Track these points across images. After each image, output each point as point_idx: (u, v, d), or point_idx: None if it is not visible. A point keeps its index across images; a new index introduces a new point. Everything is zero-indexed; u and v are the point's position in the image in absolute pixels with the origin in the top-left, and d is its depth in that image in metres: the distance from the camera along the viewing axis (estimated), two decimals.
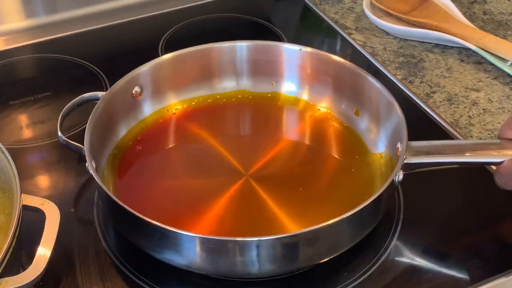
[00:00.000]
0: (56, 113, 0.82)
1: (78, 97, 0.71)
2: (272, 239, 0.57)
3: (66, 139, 0.69)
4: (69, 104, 0.71)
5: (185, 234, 0.57)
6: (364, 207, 0.59)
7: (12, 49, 0.94)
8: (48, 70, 0.92)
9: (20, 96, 0.85)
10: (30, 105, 0.84)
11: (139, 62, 0.76)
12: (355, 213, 0.58)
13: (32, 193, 0.60)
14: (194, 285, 0.62)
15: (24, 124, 0.81)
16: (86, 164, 0.63)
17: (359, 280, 0.62)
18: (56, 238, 0.58)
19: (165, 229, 0.57)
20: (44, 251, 0.56)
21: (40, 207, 0.59)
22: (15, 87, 0.87)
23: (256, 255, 0.58)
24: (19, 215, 0.56)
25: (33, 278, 0.54)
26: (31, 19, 0.98)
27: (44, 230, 0.58)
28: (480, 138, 0.79)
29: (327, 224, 0.57)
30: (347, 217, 0.58)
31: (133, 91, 0.74)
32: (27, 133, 0.80)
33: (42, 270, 0.55)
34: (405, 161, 0.64)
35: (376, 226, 0.67)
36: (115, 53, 0.94)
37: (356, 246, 0.65)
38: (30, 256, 0.56)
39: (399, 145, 0.67)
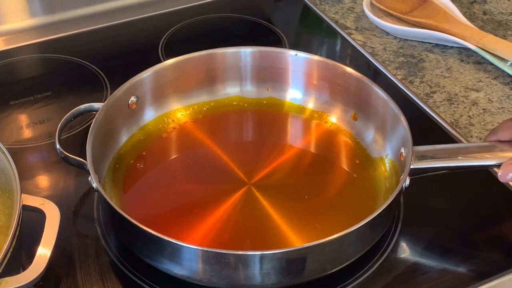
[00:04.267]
0: (56, 113, 0.83)
1: (75, 109, 0.70)
2: (274, 253, 0.56)
3: (66, 153, 0.66)
4: (65, 117, 0.69)
5: (186, 246, 0.57)
6: (373, 218, 0.58)
7: (13, 49, 0.94)
8: (48, 70, 0.92)
9: (20, 96, 0.85)
10: (30, 105, 0.84)
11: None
12: (365, 223, 0.58)
13: (32, 193, 0.60)
14: (193, 285, 0.62)
15: (24, 124, 0.81)
16: (89, 178, 0.63)
17: (359, 280, 0.62)
18: (56, 238, 0.58)
19: (164, 240, 0.57)
20: (44, 251, 0.56)
21: (40, 207, 0.59)
22: (16, 87, 0.87)
23: (259, 268, 0.57)
24: (19, 215, 0.56)
25: (33, 278, 0.54)
26: (32, 19, 0.98)
27: (44, 230, 0.58)
28: (480, 138, 0.79)
29: (336, 237, 0.57)
30: (357, 229, 0.58)
31: (129, 101, 0.73)
32: (27, 133, 0.80)
33: (42, 270, 0.55)
34: (411, 167, 0.63)
35: None
36: (115, 53, 0.94)
37: None
38: (30, 256, 0.56)
39: (402, 149, 0.66)
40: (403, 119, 0.67)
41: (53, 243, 0.57)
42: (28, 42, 0.95)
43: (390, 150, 0.71)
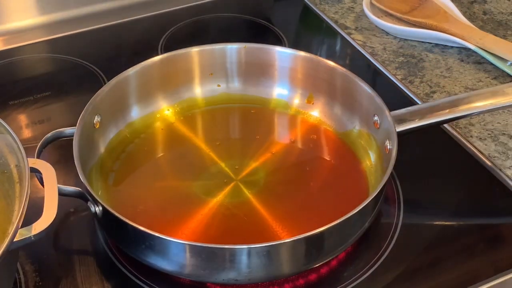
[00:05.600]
0: (56, 113, 0.83)
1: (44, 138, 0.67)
2: (261, 246, 0.57)
3: None
4: (41, 142, 0.67)
5: (173, 241, 0.58)
6: (362, 208, 0.59)
7: (12, 49, 0.94)
8: (48, 70, 0.92)
9: (20, 96, 0.85)
10: (30, 105, 0.84)
11: (139, 62, 0.76)
12: (353, 214, 0.58)
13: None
14: (192, 285, 0.62)
15: (24, 124, 0.81)
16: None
17: (359, 280, 0.62)
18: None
19: (152, 235, 0.57)
20: (51, 199, 0.58)
21: (34, 166, 0.60)
22: (15, 87, 0.87)
23: (246, 262, 0.57)
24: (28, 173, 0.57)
25: (53, 217, 0.56)
26: (31, 19, 0.98)
27: (44, 184, 0.59)
28: (481, 139, 0.78)
29: (322, 230, 0.57)
30: (343, 220, 0.58)
31: (94, 121, 0.71)
32: (27, 133, 0.80)
33: (56, 211, 0.57)
34: (397, 130, 0.65)
35: (376, 226, 0.67)
36: (115, 53, 0.94)
37: (356, 247, 0.65)
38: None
39: (387, 142, 0.67)
40: (387, 113, 0.68)
41: (56, 192, 0.58)
42: (27, 42, 0.95)
43: (375, 143, 0.71)
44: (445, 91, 0.86)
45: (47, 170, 0.61)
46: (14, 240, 0.52)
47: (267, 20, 1.00)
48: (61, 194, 0.61)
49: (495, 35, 0.92)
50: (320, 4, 1.04)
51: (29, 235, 0.54)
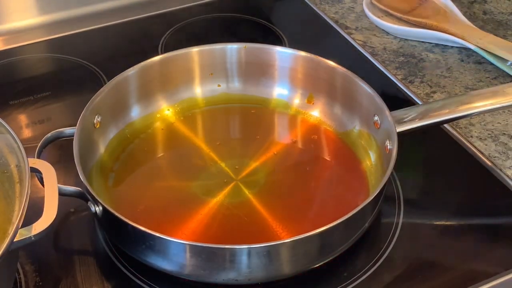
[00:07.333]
0: (56, 113, 0.83)
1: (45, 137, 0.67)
2: (261, 246, 0.57)
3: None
4: (41, 142, 0.67)
5: (173, 241, 0.58)
6: (360, 209, 0.59)
7: (12, 49, 0.94)
8: (48, 70, 0.92)
9: (20, 96, 0.85)
10: (30, 105, 0.84)
11: (139, 62, 0.76)
12: (353, 214, 0.59)
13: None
14: (192, 285, 0.62)
15: (24, 124, 0.81)
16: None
17: (359, 280, 0.62)
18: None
19: (152, 235, 0.57)
20: (51, 199, 0.58)
21: (34, 166, 0.60)
22: (15, 86, 0.87)
23: (246, 262, 0.58)
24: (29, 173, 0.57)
25: (53, 218, 0.56)
26: (31, 19, 0.98)
27: (45, 184, 0.59)
28: (481, 139, 0.78)
29: (322, 230, 0.57)
30: (343, 221, 0.58)
31: (94, 121, 0.71)
32: (27, 133, 0.80)
33: (56, 211, 0.57)
34: (397, 130, 0.66)
35: (376, 226, 0.67)
36: (115, 53, 0.94)
37: (356, 247, 0.65)
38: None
39: (387, 142, 0.67)
40: (387, 113, 0.68)
41: (56, 191, 0.58)
42: (27, 41, 0.95)
43: (375, 143, 0.71)
44: (445, 91, 0.86)
45: (47, 170, 0.61)
46: (14, 240, 0.52)
47: (267, 20, 1.00)
48: (61, 194, 0.61)
49: (495, 35, 0.92)
50: (320, 4, 1.04)
51: (29, 235, 0.54)
